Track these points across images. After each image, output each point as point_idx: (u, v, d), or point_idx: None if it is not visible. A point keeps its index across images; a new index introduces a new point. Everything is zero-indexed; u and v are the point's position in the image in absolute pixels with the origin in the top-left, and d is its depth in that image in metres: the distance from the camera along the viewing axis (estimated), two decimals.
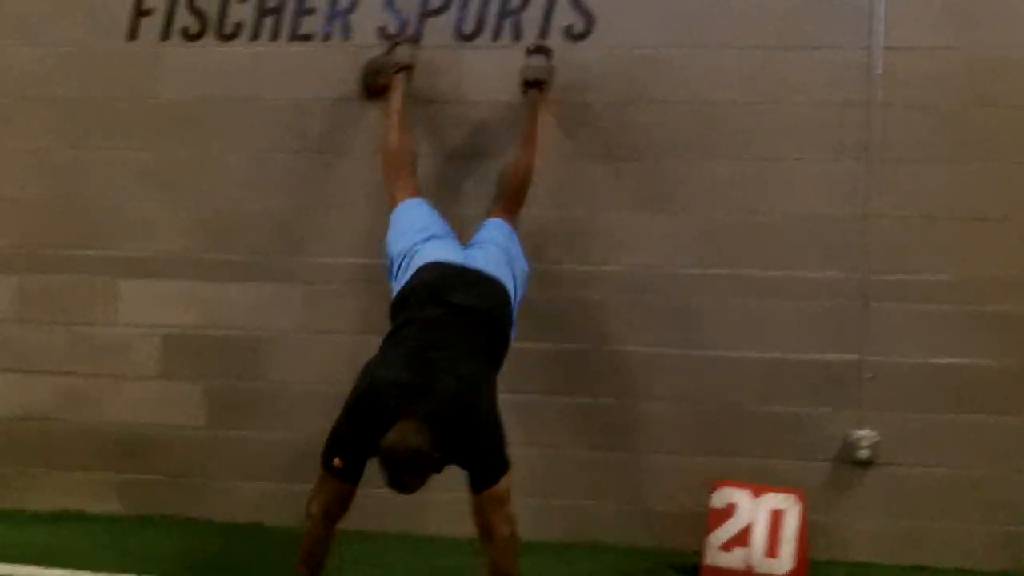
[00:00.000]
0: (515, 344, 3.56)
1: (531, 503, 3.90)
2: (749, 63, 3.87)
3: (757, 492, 3.72)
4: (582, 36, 3.89)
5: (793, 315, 3.89)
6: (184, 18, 4.07)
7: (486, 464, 3.04)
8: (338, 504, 3.10)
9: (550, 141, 3.89)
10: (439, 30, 3.96)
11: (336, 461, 3.05)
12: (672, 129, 3.91)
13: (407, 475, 2.92)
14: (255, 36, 4.04)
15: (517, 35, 3.92)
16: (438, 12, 3.95)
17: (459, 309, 3.22)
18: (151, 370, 4.18)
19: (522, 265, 3.55)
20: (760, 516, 3.69)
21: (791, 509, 3.67)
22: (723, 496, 3.74)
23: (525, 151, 3.76)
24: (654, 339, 3.96)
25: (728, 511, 3.72)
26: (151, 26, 4.09)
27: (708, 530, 3.72)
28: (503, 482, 3.05)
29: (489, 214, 3.67)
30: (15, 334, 4.27)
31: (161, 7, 4.07)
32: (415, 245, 3.45)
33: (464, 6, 3.93)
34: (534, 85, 3.86)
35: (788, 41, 3.84)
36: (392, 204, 3.63)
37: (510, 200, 3.70)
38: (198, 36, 4.08)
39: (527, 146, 3.76)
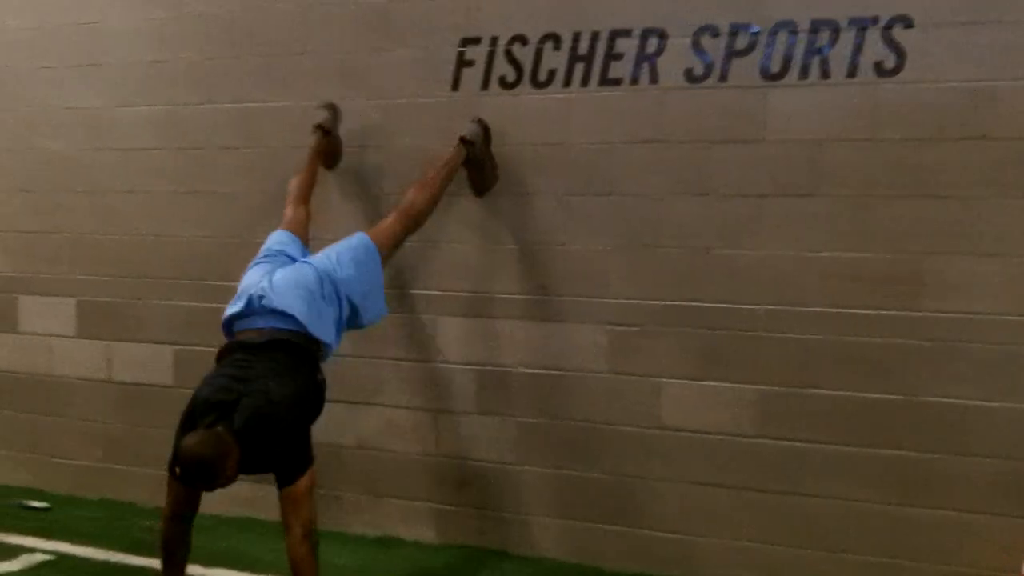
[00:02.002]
0: (813, 391, 4.51)
1: (825, 556, 4.60)
2: None
3: None
4: (893, 72, 4.43)
5: None
6: (502, 67, 5.04)
7: (285, 467, 4.14)
8: (186, 504, 4.20)
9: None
10: (745, 70, 4.62)
11: (177, 469, 4.03)
12: (993, 166, 4.33)
13: (196, 476, 3.97)
14: (567, 83, 4.92)
15: (825, 73, 4.51)
16: (745, 52, 4.62)
17: (266, 335, 4.35)
18: (465, 405, 5.18)
19: (355, 282, 4.59)
20: None
21: None
22: None
23: (423, 184, 4.89)
24: (971, 390, 4.38)
25: None
26: (472, 76, 5.13)
27: None
28: (301, 482, 4.14)
29: (370, 228, 4.83)
30: (350, 368, 5.39)
31: (481, 58, 5.07)
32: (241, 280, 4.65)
33: (771, 45, 4.59)
34: (462, 141, 4.98)
35: None
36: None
37: (395, 224, 4.81)
38: (514, 84, 5.04)
39: (426, 181, 4.90)
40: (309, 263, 4.64)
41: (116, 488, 6.03)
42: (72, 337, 6.08)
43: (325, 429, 5.43)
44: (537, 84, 5.00)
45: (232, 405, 4.07)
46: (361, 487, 5.46)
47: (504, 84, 5.07)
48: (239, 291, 4.58)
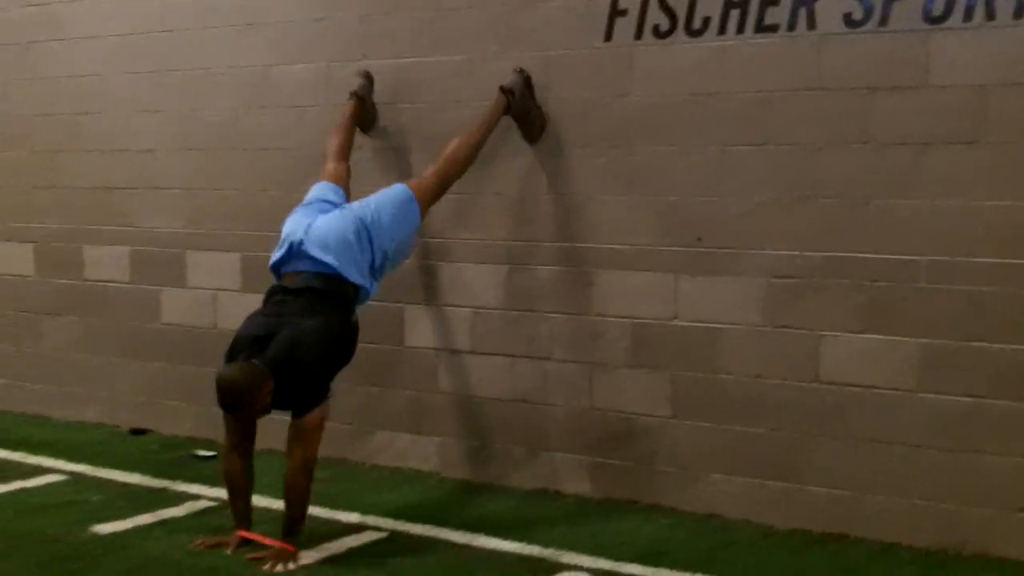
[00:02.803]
0: (981, 345, 4.56)
1: (1001, 515, 4.61)
2: None
3: None
4: None
5: None
6: (656, 16, 5.09)
7: (301, 399, 4.68)
8: (242, 436, 4.81)
9: None
10: (906, 14, 4.59)
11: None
12: None
13: (232, 404, 4.59)
14: (722, 30, 4.96)
15: (990, 14, 4.45)
16: None
17: (304, 279, 4.91)
18: (621, 359, 5.30)
19: (389, 231, 5.07)
20: None
21: None
22: None
23: (466, 133, 5.32)
24: None
25: None
26: (626, 26, 5.19)
27: None
28: (312, 415, 4.69)
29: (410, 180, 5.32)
30: (503, 321, 5.62)
31: (635, 6, 5.13)
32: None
33: None
34: (502, 90, 5.35)
35: None
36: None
37: (435, 173, 5.27)
38: (668, 33, 5.09)
39: (470, 130, 5.33)
40: (348, 210, 5.13)
41: (280, 439, 6.33)
42: (237, 291, 6.40)
43: (483, 383, 5.69)
44: (691, 32, 5.06)
45: (267, 340, 4.69)
46: (519, 440, 5.66)
47: (658, 33, 5.14)
48: (282, 237, 5.11)
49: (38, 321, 7.27)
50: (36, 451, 6.38)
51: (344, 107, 5.75)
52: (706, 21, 5.03)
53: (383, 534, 5.01)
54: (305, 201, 5.28)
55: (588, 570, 4.58)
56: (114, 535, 4.99)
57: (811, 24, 4.82)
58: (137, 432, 6.76)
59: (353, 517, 5.22)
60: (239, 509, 4.89)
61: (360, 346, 5.99)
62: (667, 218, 5.18)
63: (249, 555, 4.70)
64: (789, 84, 4.88)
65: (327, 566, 4.66)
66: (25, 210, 7.25)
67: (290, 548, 4.70)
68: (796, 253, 4.92)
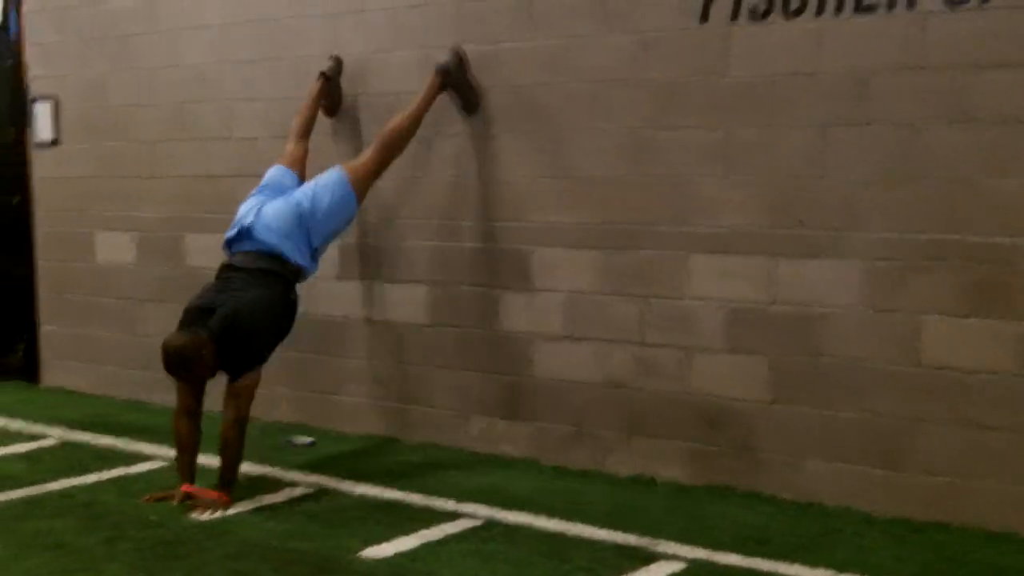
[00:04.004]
0: None
1: None
2: None
3: None
4: None
5: None
6: None
7: (237, 365, 5.29)
8: (190, 400, 5.38)
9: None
10: None
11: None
12: None
13: (174, 367, 5.20)
14: (819, 11, 4.97)
15: None
16: None
17: (250, 259, 5.51)
18: (718, 343, 5.34)
19: (323, 221, 5.66)
20: None
21: None
22: None
23: (404, 115, 5.85)
24: None
25: None
26: (722, 7, 5.21)
27: None
28: (246, 378, 5.31)
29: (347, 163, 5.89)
30: (597, 305, 5.67)
31: None
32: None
33: None
34: (437, 70, 5.87)
35: None
36: None
37: (374, 151, 5.83)
38: (765, 14, 5.11)
39: (407, 112, 5.85)
40: (292, 198, 5.70)
41: (377, 423, 6.53)
42: (334, 279, 6.55)
43: (578, 368, 5.76)
44: (788, 13, 5.08)
45: (210, 312, 5.28)
46: (614, 426, 5.72)
47: (754, 14, 5.16)
48: (235, 218, 5.72)
49: (140, 308, 7.49)
50: (138, 437, 6.57)
51: (311, 87, 6.28)
52: (803, 2, 5.04)
53: (478, 521, 5.08)
54: (260, 185, 5.87)
55: (684, 559, 4.60)
56: (214, 521, 5.13)
57: (911, 3, 4.81)
58: None
59: (449, 504, 5.30)
60: (185, 465, 5.43)
61: (455, 331, 6.17)
62: (765, 199, 5.21)
63: (188, 502, 5.27)
64: (890, 63, 4.87)
65: (424, 551, 4.73)
66: (127, 199, 7.48)
67: (223, 498, 5.27)
68: (898, 235, 4.91)
